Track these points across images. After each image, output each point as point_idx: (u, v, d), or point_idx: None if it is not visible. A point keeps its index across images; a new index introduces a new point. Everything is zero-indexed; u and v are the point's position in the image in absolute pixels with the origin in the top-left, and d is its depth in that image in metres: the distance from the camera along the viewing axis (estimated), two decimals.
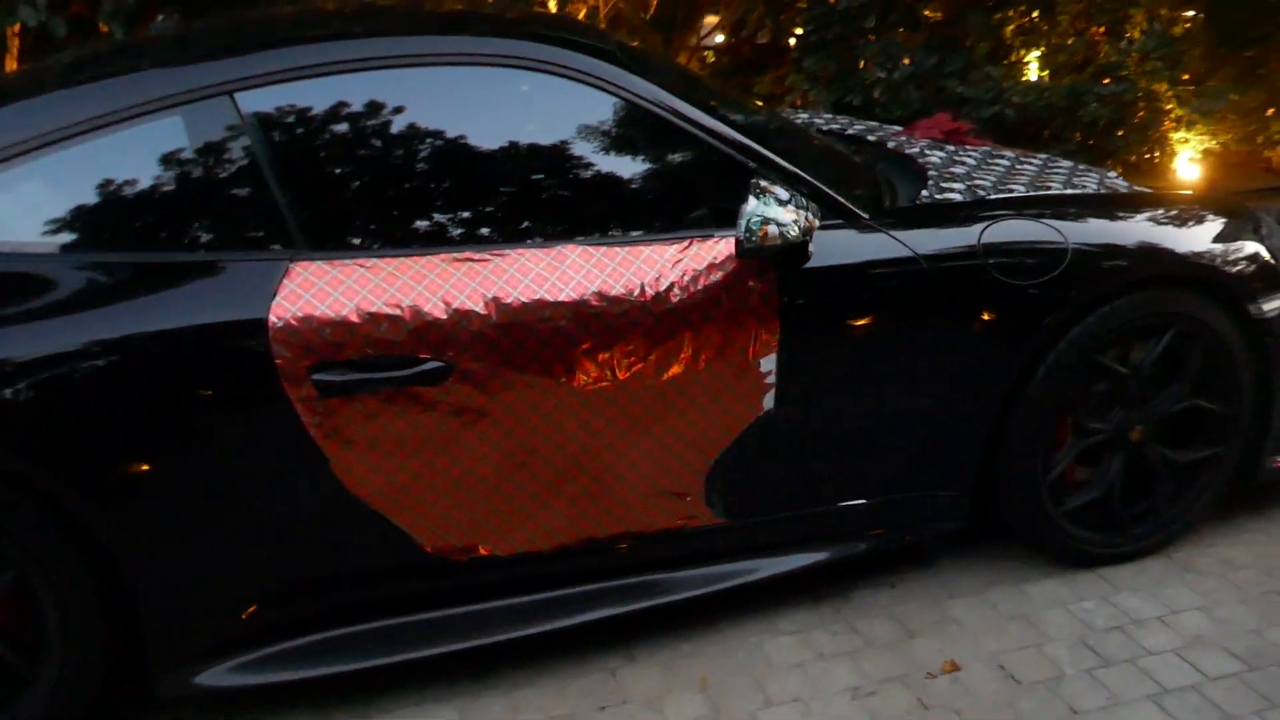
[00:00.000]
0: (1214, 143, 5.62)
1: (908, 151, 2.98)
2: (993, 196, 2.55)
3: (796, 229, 2.09)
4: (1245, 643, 2.37)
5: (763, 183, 2.12)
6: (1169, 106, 5.34)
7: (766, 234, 2.07)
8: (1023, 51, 6.18)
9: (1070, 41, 5.38)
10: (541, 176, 2.20)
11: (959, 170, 2.77)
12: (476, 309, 2.04)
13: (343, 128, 2.10)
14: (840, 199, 2.32)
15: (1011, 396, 2.44)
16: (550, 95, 2.19)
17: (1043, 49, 6.07)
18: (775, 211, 2.08)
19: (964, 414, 2.43)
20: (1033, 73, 6.32)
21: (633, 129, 2.24)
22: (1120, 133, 5.27)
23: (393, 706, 2.23)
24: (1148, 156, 5.46)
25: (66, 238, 1.97)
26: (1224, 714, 2.16)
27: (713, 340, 2.17)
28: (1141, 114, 5.31)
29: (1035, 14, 5.30)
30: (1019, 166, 2.94)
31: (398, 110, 2.13)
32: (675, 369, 2.17)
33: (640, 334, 2.13)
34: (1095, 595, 2.56)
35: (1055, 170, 2.93)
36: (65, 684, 1.98)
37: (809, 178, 2.30)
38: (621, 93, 2.19)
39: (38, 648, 1.98)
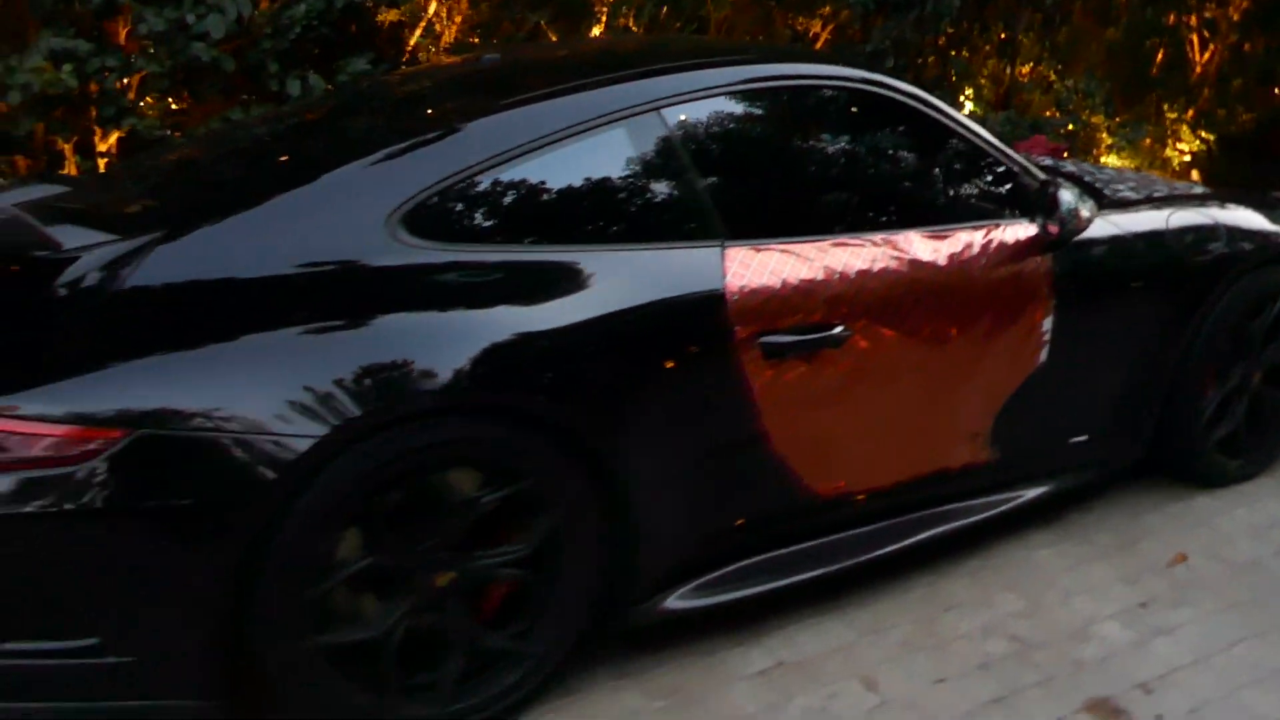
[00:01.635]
0: (1130, 167, 6.69)
1: (1045, 164, 3.64)
2: (1155, 195, 3.24)
3: (1093, 215, 2.69)
4: None
5: (1062, 180, 2.71)
6: (1101, 135, 6.36)
7: (1081, 219, 2.66)
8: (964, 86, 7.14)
9: (1025, 80, 6.35)
10: (885, 176, 2.72)
11: (1104, 177, 3.46)
12: (866, 284, 2.51)
13: (744, 137, 2.54)
14: None
15: (1185, 351, 3.12)
16: (890, 115, 2.72)
17: (982, 84, 7.05)
18: (1078, 201, 2.67)
19: (1156, 364, 3.08)
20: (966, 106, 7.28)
21: (940, 139, 2.78)
22: (1065, 156, 6.22)
23: (785, 624, 2.62)
24: None
25: (552, 234, 2.31)
26: None
27: (1015, 305, 2.74)
28: (1081, 142, 6.30)
29: (994, 61, 6.23)
30: (1125, 175, 3.66)
31: (785, 123, 2.60)
32: (991, 328, 2.71)
33: (973, 301, 2.66)
34: (1242, 505, 3.26)
35: (1155, 180, 3.67)
36: (569, 618, 2.30)
37: (1046, 177, 2.90)
38: (943, 117, 2.73)
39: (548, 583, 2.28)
